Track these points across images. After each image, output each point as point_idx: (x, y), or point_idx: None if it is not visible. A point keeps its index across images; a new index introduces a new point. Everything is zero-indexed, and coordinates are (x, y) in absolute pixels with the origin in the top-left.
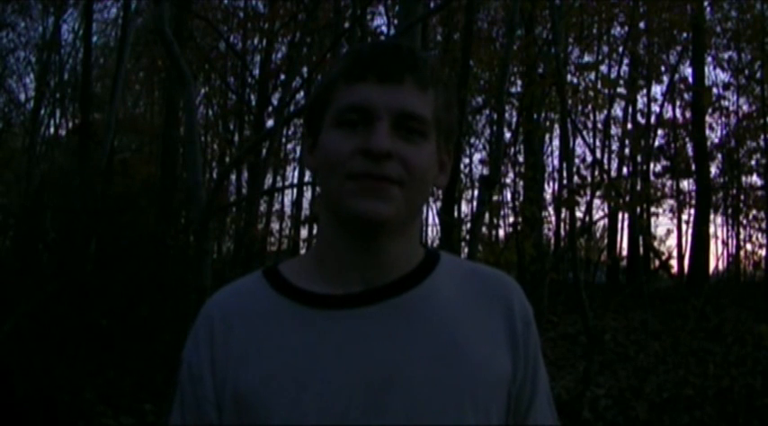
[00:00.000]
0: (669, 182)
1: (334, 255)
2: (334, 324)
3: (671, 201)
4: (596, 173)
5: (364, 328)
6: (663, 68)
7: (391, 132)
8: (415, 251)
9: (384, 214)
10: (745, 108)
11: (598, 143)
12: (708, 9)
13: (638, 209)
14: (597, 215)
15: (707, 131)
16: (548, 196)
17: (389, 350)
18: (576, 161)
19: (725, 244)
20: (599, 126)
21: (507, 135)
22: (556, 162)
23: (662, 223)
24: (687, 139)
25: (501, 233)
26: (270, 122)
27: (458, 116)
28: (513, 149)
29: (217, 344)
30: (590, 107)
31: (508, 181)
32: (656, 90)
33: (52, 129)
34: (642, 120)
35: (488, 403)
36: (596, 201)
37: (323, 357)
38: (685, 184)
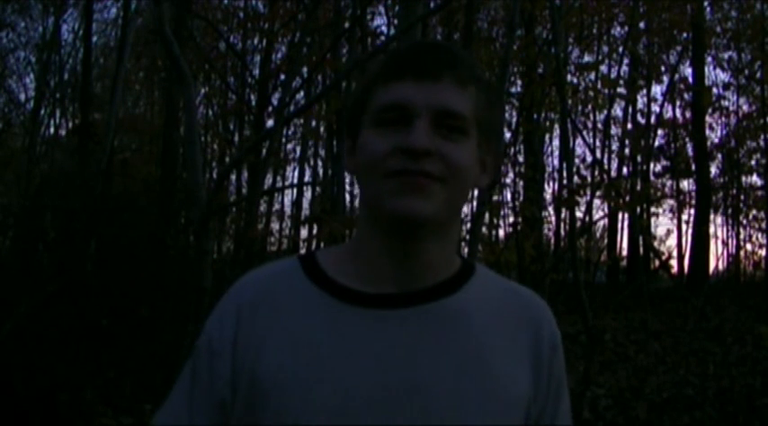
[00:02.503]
0: (669, 182)
1: (370, 255)
2: (362, 323)
3: (671, 201)
4: (596, 173)
5: (393, 331)
6: (663, 68)
7: (431, 130)
8: (453, 258)
9: (424, 211)
10: (745, 108)
11: (598, 143)
12: (708, 9)
13: (638, 209)
14: (597, 215)
15: (707, 131)
16: (548, 196)
17: (415, 355)
18: (576, 161)
19: (725, 244)
20: (599, 126)
21: (507, 135)
22: (556, 162)
23: (662, 223)
24: (687, 139)
25: (501, 233)
26: (270, 122)
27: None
28: (513, 149)
29: (242, 325)
30: (590, 107)
31: (508, 181)
32: (656, 90)
33: (52, 129)
34: (642, 120)
35: (505, 420)
36: (596, 201)
37: (345, 354)
38: (685, 184)
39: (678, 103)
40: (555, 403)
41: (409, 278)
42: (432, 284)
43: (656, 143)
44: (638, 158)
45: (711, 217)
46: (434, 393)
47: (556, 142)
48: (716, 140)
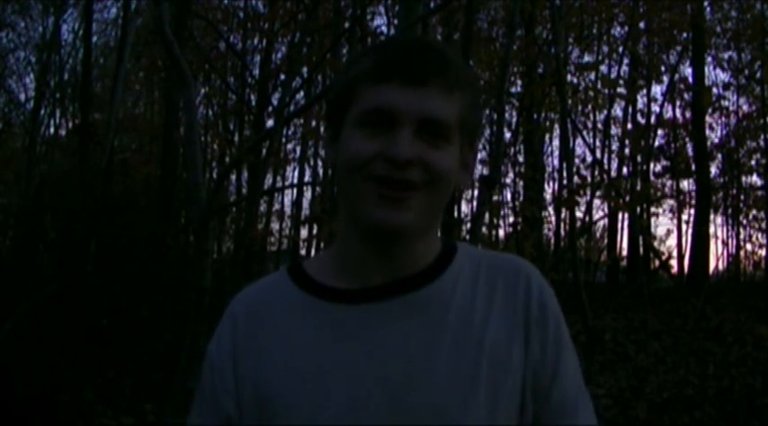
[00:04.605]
0: (669, 182)
1: (353, 253)
2: (353, 319)
3: (671, 201)
4: (596, 173)
5: (383, 323)
6: (663, 68)
7: (414, 137)
8: (434, 243)
9: (402, 223)
10: (745, 108)
11: (598, 143)
12: (708, 9)
13: (638, 209)
14: (597, 215)
15: (707, 131)
16: (548, 196)
17: (408, 345)
18: (576, 161)
19: (725, 244)
20: (599, 126)
21: (507, 135)
22: (556, 162)
23: (662, 223)
24: (687, 139)
25: (501, 233)
26: (270, 122)
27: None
28: (513, 149)
29: (239, 339)
30: (590, 107)
31: (508, 181)
32: (656, 90)
33: (52, 129)
34: (642, 120)
35: (508, 396)
36: (596, 201)
37: (342, 352)
38: (685, 184)
39: (678, 103)
40: (554, 360)
41: (393, 269)
42: (416, 271)
43: (656, 143)
44: (638, 158)
45: (711, 217)
46: (432, 381)
47: (556, 142)
48: (716, 140)
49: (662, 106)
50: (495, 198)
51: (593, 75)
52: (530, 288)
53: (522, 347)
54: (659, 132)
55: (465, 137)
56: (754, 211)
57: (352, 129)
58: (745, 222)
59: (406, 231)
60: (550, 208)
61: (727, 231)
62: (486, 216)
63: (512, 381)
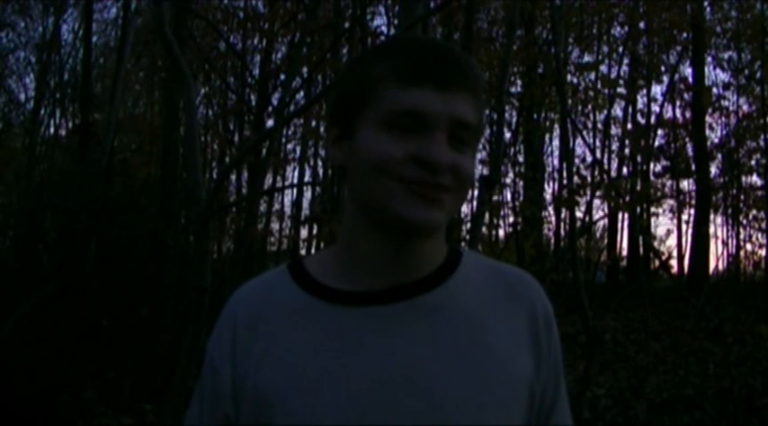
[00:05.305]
0: (669, 182)
1: (361, 253)
2: (356, 322)
3: (671, 201)
4: (596, 172)
5: (387, 327)
6: (663, 68)
7: (447, 142)
8: (441, 248)
9: (436, 221)
10: (745, 108)
11: (598, 143)
12: (708, 9)
13: (638, 209)
14: (597, 215)
15: (707, 131)
16: (548, 196)
17: (411, 349)
18: (576, 161)
19: (725, 244)
20: (599, 126)
21: (507, 135)
22: (556, 162)
23: (662, 223)
24: (687, 139)
25: (501, 233)
26: (270, 122)
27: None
28: (513, 149)
29: (239, 339)
30: (590, 107)
31: (508, 181)
32: (656, 90)
33: (52, 129)
34: (642, 120)
35: (511, 403)
36: (596, 201)
37: (344, 355)
38: (685, 184)
39: (678, 103)
40: (556, 380)
41: (402, 271)
42: (423, 275)
43: (656, 143)
44: (638, 158)
45: (711, 217)
46: (432, 384)
47: (556, 142)
48: (716, 140)
49: (662, 106)
50: (495, 198)
51: (593, 75)
52: (536, 307)
53: (531, 365)
54: (659, 132)
55: (477, 140)
56: (754, 211)
57: (378, 131)
58: (745, 222)
59: (437, 229)
60: (550, 208)
61: (727, 231)
62: (486, 216)
63: (515, 391)
